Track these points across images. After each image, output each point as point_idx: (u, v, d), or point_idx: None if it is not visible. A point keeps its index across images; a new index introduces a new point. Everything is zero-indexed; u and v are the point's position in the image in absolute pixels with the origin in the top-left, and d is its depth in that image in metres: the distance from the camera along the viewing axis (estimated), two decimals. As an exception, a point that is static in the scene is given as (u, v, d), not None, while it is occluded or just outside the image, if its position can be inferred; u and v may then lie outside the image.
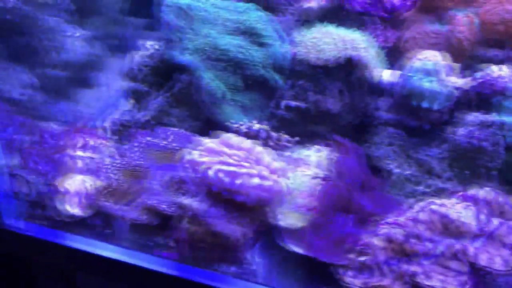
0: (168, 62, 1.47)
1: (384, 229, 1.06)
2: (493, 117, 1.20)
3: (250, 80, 1.34)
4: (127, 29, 1.80)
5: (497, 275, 1.00)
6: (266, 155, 1.05)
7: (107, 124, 1.39)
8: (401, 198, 1.25)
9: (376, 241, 1.04)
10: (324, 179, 1.17)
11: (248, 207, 1.08)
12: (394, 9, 1.49)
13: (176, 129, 1.25)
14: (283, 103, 1.38)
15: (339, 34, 1.34)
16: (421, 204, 1.12)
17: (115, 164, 1.17)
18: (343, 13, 1.54)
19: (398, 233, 1.04)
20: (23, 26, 1.35)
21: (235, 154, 1.03)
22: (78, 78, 1.55)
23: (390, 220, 1.09)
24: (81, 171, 1.21)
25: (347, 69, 1.34)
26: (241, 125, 1.16)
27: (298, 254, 1.12)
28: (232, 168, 1.02)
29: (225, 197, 1.06)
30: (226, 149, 1.04)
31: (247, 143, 1.06)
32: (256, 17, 1.37)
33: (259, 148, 1.05)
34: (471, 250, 1.00)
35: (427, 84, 1.25)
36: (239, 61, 1.33)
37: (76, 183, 1.19)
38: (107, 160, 1.24)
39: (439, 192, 1.22)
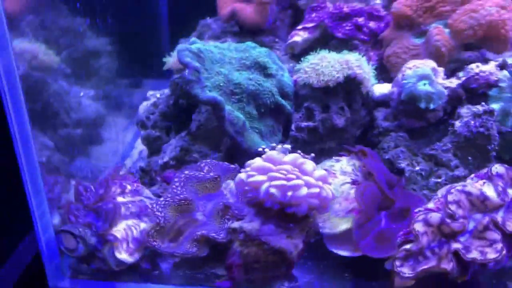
0: (178, 103, 1.56)
1: (421, 215, 1.16)
2: (483, 106, 1.37)
3: (262, 108, 1.45)
4: (122, 87, 1.89)
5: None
6: (309, 164, 1.13)
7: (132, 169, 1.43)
8: (419, 192, 1.38)
9: (417, 227, 1.14)
10: (353, 182, 1.27)
11: (298, 218, 1.15)
12: (371, 31, 1.68)
13: (208, 160, 1.31)
14: (294, 125, 1.50)
15: (333, 57, 1.48)
16: (443, 190, 1.24)
17: (159, 203, 1.21)
18: (327, 42, 1.71)
19: (434, 217, 1.15)
20: (35, 92, 1.39)
21: (281, 169, 1.11)
22: (90, 134, 1.59)
23: (421, 208, 1.20)
24: (125, 216, 1.22)
25: (346, 87, 1.49)
26: (264, 149, 1.25)
27: (345, 257, 1.20)
28: (281, 182, 1.10)
29: (276, 211, 1.13)
30: (271, 166, 1.12)
31: (289, 156, 1.14)
32: (257, 53, 1.50)
33: (301, 159, 1.14)
34: (499, 219, 1.13)
35: (422, 87, 1.41)
36: (251, 92, 1.43)
37: (121, 229, 1.20)
38: (147, 201, 1.27)
39: (452, 180, 1.36)
